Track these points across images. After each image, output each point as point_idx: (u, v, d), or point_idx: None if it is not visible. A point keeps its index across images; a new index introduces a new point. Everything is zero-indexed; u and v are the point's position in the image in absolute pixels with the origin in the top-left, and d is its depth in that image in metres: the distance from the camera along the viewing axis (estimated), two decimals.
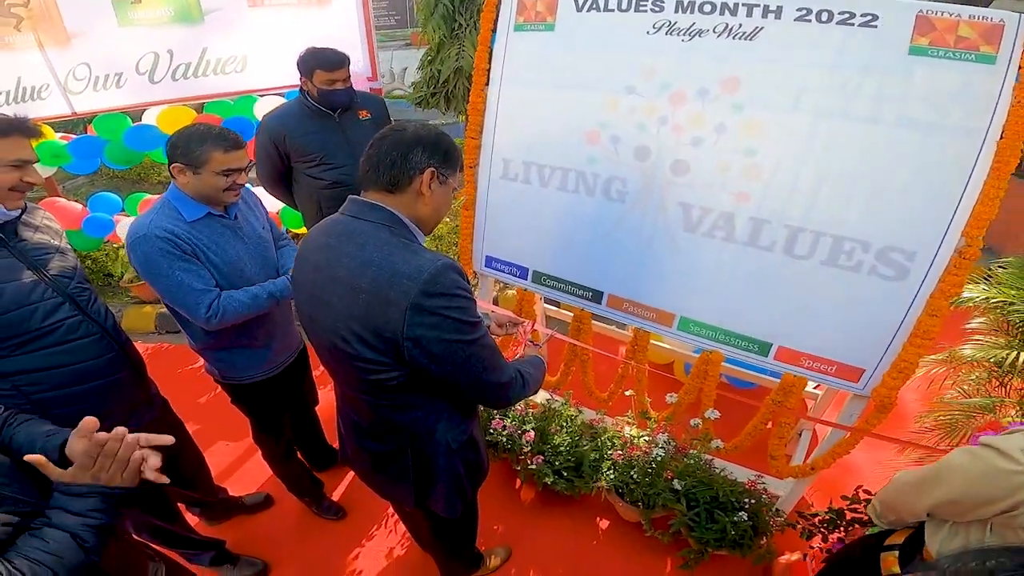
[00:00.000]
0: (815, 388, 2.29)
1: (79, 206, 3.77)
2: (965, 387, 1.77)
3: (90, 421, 1.04)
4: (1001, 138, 1.32)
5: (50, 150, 3.40)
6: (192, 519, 2.32)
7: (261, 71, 3.45)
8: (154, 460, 1.06)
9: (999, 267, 1.89)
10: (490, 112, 2.02)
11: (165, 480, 1.09)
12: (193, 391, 3.14)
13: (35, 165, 1.31)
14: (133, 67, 3.29)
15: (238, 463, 2.73)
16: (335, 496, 2.50)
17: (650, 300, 1.86)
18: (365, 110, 2.41)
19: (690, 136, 1.65)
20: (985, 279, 1.87)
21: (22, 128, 1.27)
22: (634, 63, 1.69)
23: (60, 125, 3.51)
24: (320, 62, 2.21)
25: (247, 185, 1.73)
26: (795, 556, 1.83)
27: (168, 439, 1.09)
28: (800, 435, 2.15)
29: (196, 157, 1.49)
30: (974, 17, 1.31)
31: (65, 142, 3.44)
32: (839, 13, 1.40)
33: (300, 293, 1.19)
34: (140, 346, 3.79)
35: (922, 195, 1.41)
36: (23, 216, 1.36)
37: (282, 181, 2.51)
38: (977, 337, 1.79)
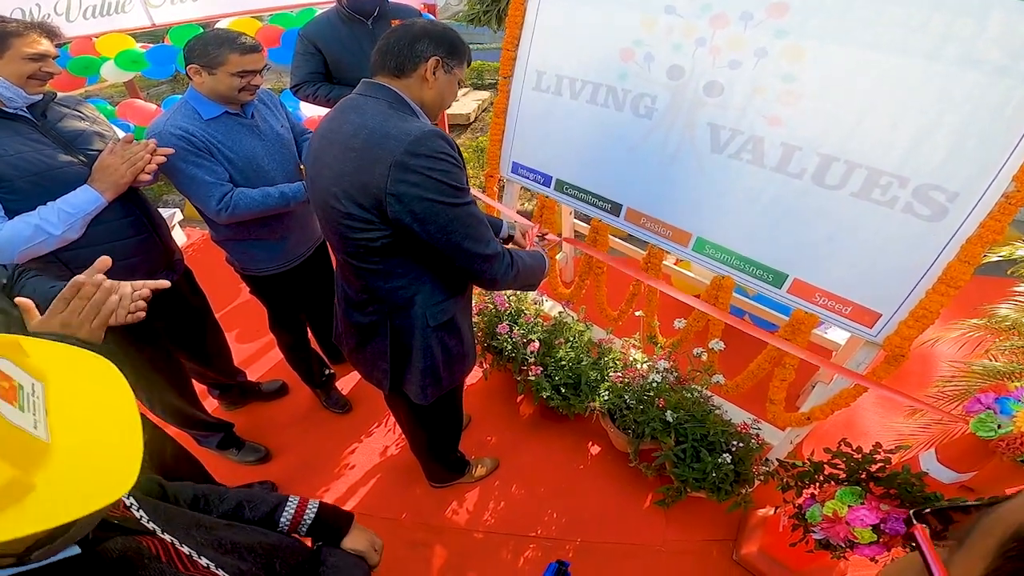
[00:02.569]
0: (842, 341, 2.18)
1: (153, 106, 4.02)
2: (997, 353, 1.62)
3: (104, 260, 1.11)
4: None
5: (129, 57, 3.66)
6: (211, 404, 2.50)
7: None
8: (144, 294, 1.10)
9: None
10: (528, 25, 2.02)
11: (139, 316, 1.11)
12: (235, 276, 3.32)
13: (56, 60, 1.47)
14: None
15: (263, 350, 2.89)
16: (345, 391, 2.61)
17: (668, 217, 1.82)
18: (398, 19, 2.42)
19: (727, 59, 1.57)
20: None
21: (38, 27, 1.43)
22: None
23: (140, 36, 3.75)
24: None
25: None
26: (772, 511, 1.77)
27: (164, 283, 1.13)
28: (813, 387, 2.05)
29: (213, 59, 1.57)
30: None
31: (143, 50, 3.67)
32: None
33: (308, 158, 1.28)
34: (196, 232, 4.09)
35: (976, 136, 1.30)
36: (54, 104, 1.51)
37: (320, 81, 2.50)
38: (1020, 299, 1.62)
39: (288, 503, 0.97)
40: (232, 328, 2.24)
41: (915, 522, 0.51)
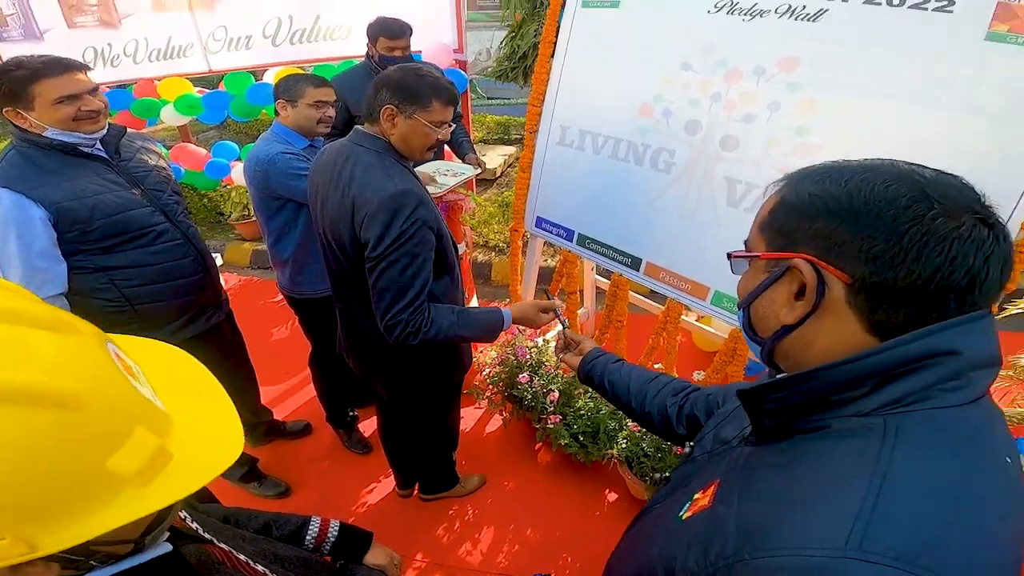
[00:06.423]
0: None
1: (203, 151, 4.27)
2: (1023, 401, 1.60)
3: None
4: None
5: (187, 101, 3.87)
6: None
7: (362, 39, 3.73)
8: None
9: None
10: (553, 82, 2.12)
11: None
12: (268, 321, 3.45)
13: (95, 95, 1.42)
14: (260, 31, 3.65)
15: (289, 392, 2.97)
16: (367, 433, 2.65)
17: (686, 271, 1.86)
18: None
19: (742, 113, 1.64)
20: None
21: (59, 65, 1.35)
22: (693, 40, 1.72)
23: (196, 81, 3.98)
24: (383, 30, 2.47)
25: None
26: None
27: None
28: None
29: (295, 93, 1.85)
30: None
31: (200, 95, 3.92)
32: None
33: (317, 199, 1.44)
34: (233, 277, 4.26)
35: (984, 182, 1.32)
36: (125, 139, 1.61)
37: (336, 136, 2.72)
38: None
39: (312, 522, 1.01)
40: (266, 370, 2.33)
41: None
